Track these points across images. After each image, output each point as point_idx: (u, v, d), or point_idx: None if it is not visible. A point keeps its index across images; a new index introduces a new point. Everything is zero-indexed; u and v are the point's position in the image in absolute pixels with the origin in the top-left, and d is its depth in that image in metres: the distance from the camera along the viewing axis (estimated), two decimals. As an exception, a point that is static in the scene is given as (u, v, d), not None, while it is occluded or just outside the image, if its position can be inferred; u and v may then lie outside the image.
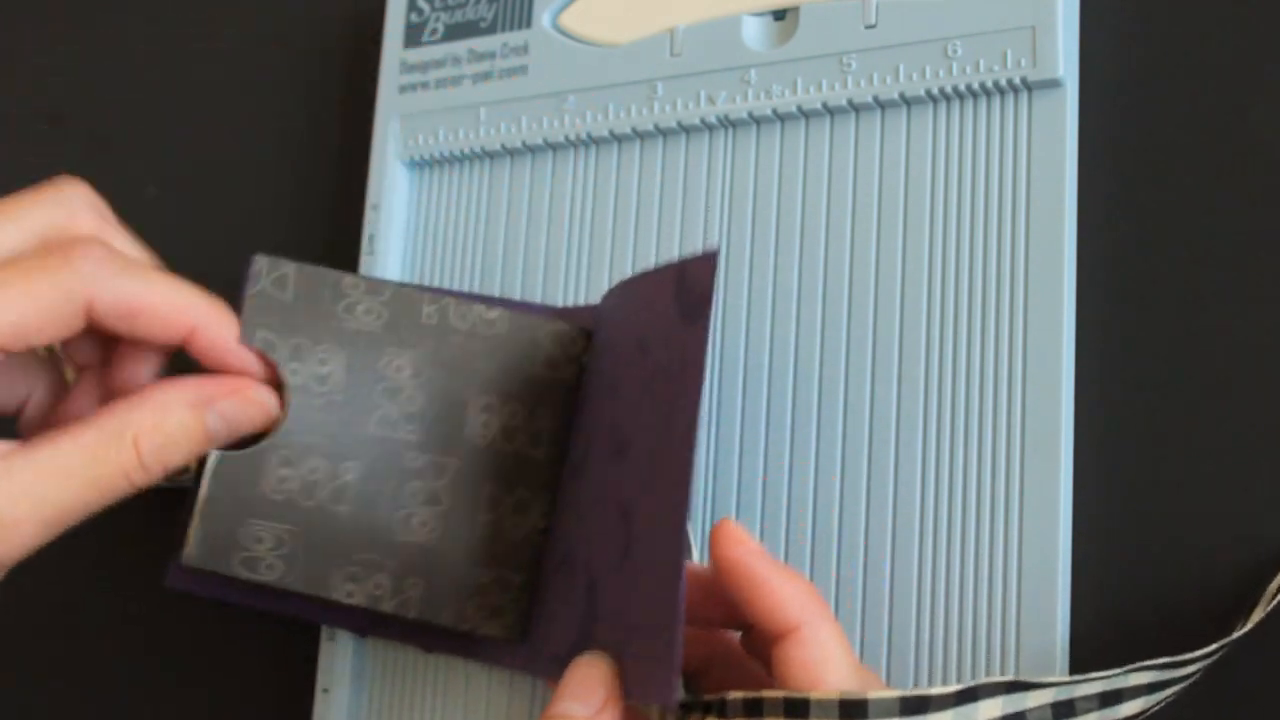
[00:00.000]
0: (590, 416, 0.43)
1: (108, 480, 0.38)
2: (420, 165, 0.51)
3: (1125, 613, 0.40)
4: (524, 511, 0.43)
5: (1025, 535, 0.40)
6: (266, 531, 0.42)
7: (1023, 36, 0.42)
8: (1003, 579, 0.40)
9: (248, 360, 0.41)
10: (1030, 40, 0.42)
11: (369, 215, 0.51)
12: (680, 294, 0.39)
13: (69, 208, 0.40)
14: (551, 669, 0.41)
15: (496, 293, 0.48)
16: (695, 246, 0.46)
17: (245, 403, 0.41)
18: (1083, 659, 0.39)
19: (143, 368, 0.41)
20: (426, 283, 0.50)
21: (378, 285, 0.43)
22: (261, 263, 0.42)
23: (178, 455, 0.39)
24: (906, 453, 0.42)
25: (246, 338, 0.41)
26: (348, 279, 0.42)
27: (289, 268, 0.42)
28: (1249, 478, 0.39)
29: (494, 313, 0.43)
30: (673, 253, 0.46)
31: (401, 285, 0.43)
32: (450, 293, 0.44)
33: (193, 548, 0.41)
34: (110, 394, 0.41)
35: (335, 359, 0.42)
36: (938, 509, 0.41)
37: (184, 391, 0.40)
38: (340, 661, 0.48)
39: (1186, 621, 0.39)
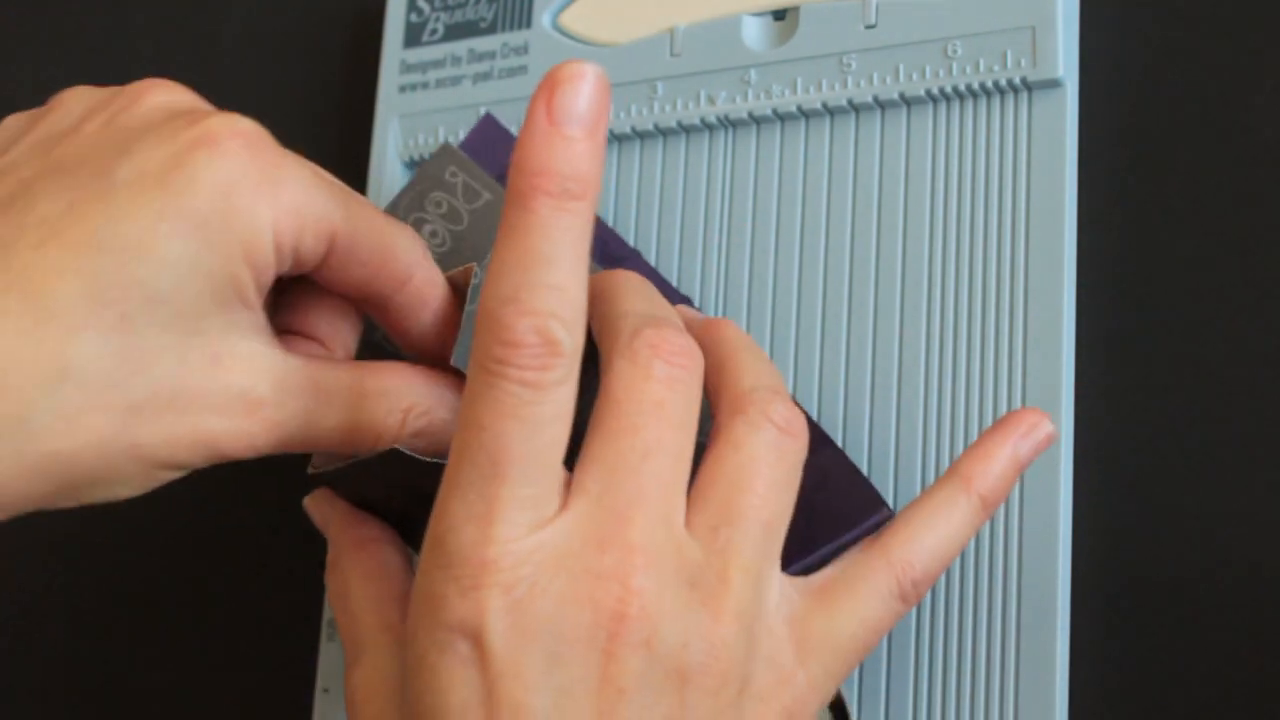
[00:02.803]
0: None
1: (365, 424, 0.36)
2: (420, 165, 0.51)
3: (1125, 613, 0.40)
4: None
5: (1025, 535, 0.40)
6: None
7: (1023, 36, 0.42)
8: (1003, 579, 0.40)
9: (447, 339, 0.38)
10: (1030, 40, 0.42)
11: (369, 215, 0.51)
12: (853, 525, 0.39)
13: (180, 92, 0.37)
14: None
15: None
16: (695, 246, 0.46)
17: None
18: (1083, 659, 0.39)
19: (343, 323, 0.39)
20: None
21: None
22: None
23: (431, 444, 0.37)
24: (907, 453, 0.42)
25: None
26: None
27: None
28: (1249, 478, 0.39)
29: None
30: (672, 253, 0.46)
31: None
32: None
33: (327, 472, 0.39)
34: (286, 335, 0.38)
35: None
36: (938, 509, 0.41)
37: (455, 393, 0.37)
38: (340, 661, 0.48)
39: (1187, 621, 0.39)
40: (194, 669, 0.53)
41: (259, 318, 0.36)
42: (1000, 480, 0.37)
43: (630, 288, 0.37)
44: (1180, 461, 0.40)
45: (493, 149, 0.45)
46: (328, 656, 0.49)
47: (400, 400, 0.37)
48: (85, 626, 0.56)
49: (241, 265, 0.34)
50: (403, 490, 0.39)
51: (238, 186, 0.34)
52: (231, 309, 0.35)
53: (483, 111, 0.49)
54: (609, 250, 0.45)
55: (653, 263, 0.46)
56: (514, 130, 0.47)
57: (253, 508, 0.53)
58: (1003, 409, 0.41)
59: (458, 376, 0.37)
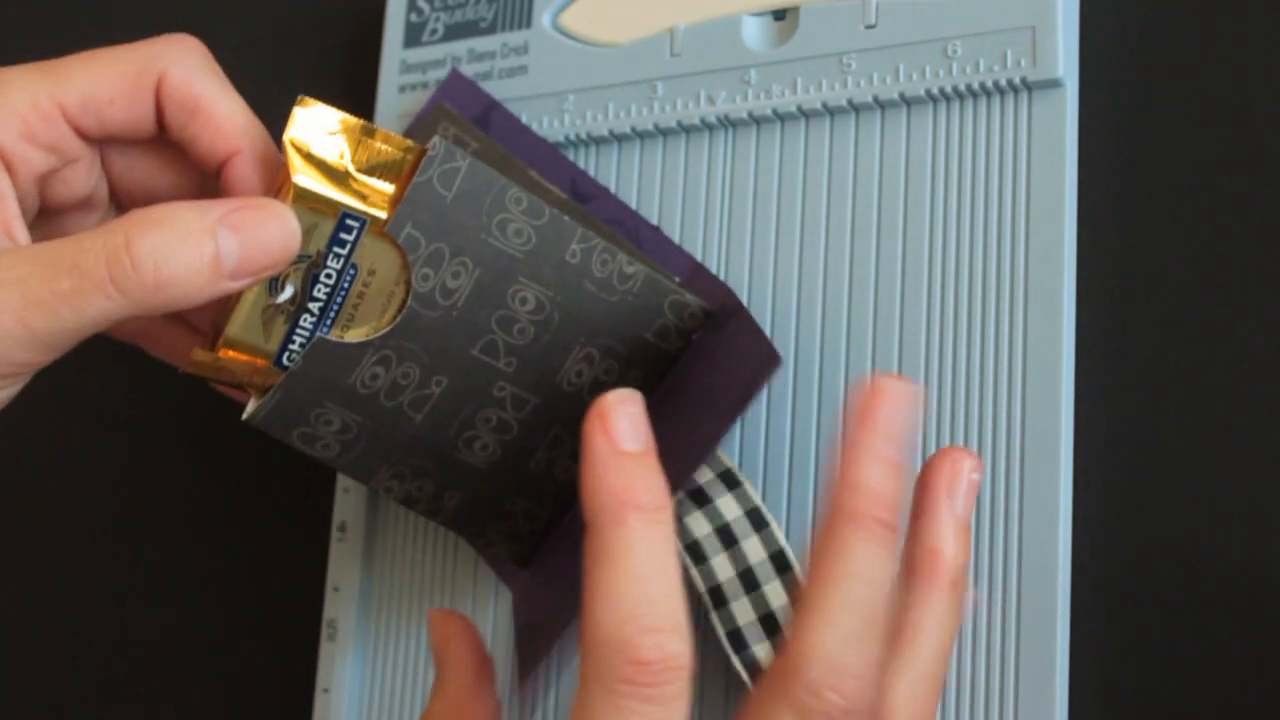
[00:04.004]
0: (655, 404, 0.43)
1: (89, 267, 0.36)
2: (420, 165, 0.51)
3: (1125, 613, 0.40)
4: (576, 457, 0.43)
5: (1025, 535, 0.40)
6: (337, 416, 0.41)
7: (1023, 36, 0.42)
8: (1003, 578, 0.40)
9: (286, 217, 0.38)
10: (1030, 40, 0.42)
11: (369, 215, 0.51)
12: (752, 378, 0.39)
13: (174, 55, 0.40)
14: (523, 635, 0.42)
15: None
16: (695, 247, 0.46)
17: (264, 222, 0.38)
18: (1083, 659, 0.39)
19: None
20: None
21: (538, 208, 0.41)
22: (439, 147, 0.40)
23: (177, 268, 0.36)
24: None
25: (395, 229, 0.39)
26: (514, 193, 0.40)
27: (463, 163, 0.40)
28: (1249, 478, 0.39)
29: (633, 268, 0.42)
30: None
31: (560, 210, 0.41)
32: (604, 229, 0.43)
33: (261, 411, 0.41)
34: None
35: (467, 276, 0.41)
36: (938, 509, 0.41)
37: (193, 204, 0.37)
38: (340, 661, 0.48)
39: (1187, 621, 0.39)
40: (194, 669, 0.53)
41: None
42: (883, 486, 0.35)
43: (847, 594, 0.34)
44: (1180, 461, 0.40)
45: (464, 98, 0.47)
46: (328, 656, 0.49)
47: (115, 228, 0.36)
48: (85, 626, 0.56)
49: None
50: (344, 395, 0.40)
51: None
52: None
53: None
54: (578, 188, 0.45)
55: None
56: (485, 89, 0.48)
57: (253, 508, 0.53)
58: (1003, 409, 0.41)
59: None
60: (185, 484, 0.55)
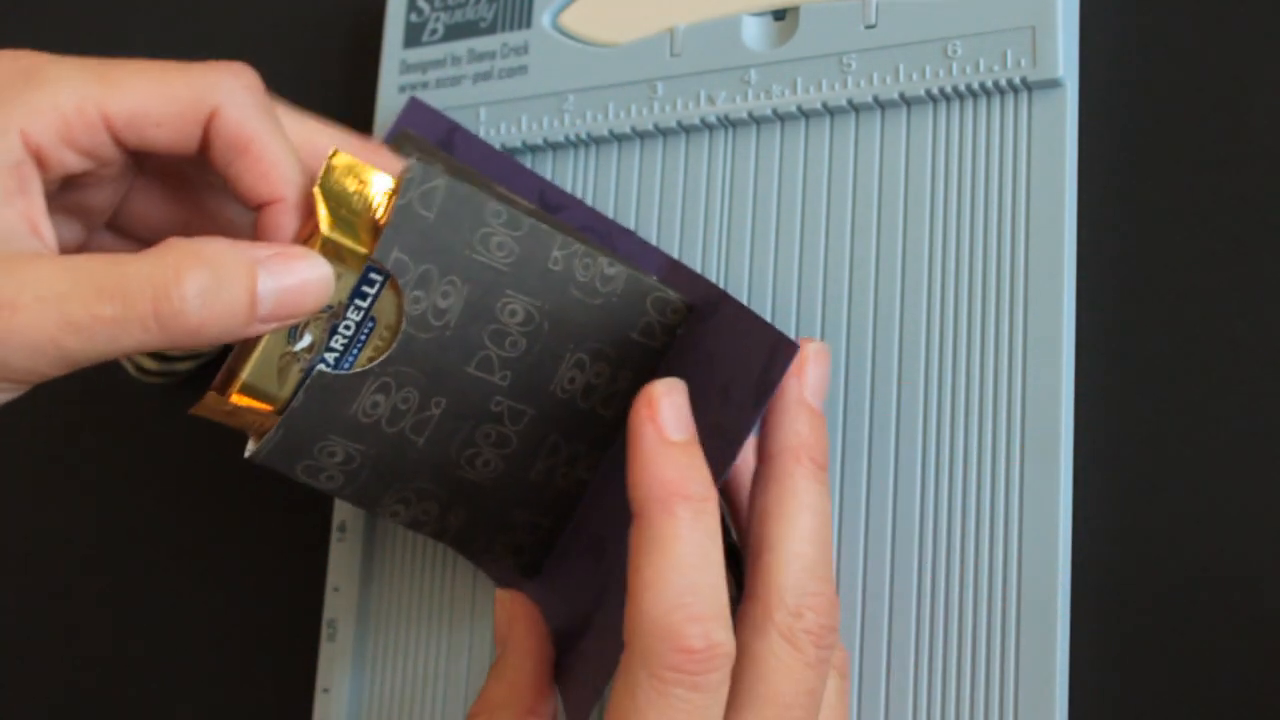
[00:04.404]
0: None
1: (134, 297, 0.35)
2: (420, 165, 0.51)
3: (1125, 613, 0.40)
4: (574, 463, 0.43)
5: (1025, 535, 0.40)
6: (340, 447, 0.41)
7: (1023, 36, 0.42)
8: (1003, 578, 0.40)
9: (321, 266, 0.38)
10: (1030, 40, 0.42)
11: (369, 215, 0.51)
12: (767, 367, 0.39)
13: (230, 89, 0.40)
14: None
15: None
16: (695, 247, 0.46)
17: (301, 271, 0.38)
18: (1083, 659, 0.39)
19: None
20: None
21: (517, 219, 0.41)
22: (415, 171, 0.40)
23: (220, 309, 0.36)
24: (906, 453, 0.42)
25: (382, 255, 0.39)
26: (492, 206, 0.41)
27: (440, 181, 0.40)
28: (1249, 478, 0.39)
29: (614, 269, 0.42)
30: (672, 253, 0.46)
31: (537, 220, 0.41)
32: (579, 235, 0.43)
33: (265, 448, 0.41)
34: None
35: (457, 294, 0.41)
36: (937, 510, 0.41)
37: (235, 244, 0.37)
38: (340, 661, 0.48)
39: (1187, 621, 0.39)
40: (195, 669, 0.53)
41: (16, 218, 0.37)
42: (814, 432, 0.39)
43: (802, 526, 0.38)
44: (1180, 461, 0.40)
45: (425, 124, 0.48)
46: (328, 656, 0.49)
47: (165, 256, 0.36)
48: (85, 626, 0.56)
49: None
50: (346, 426, 0.40)
51: None
52: None
53: (481, 112, 0.49)
54: (546, 200, 0.45)
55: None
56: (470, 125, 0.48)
57: (253, 508, 0.53)
58: (1003, 409, 0.41)
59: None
60: (185, 484, 0.55)
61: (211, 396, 0.40)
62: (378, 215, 0.40)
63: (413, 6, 0.51)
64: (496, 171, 0.46)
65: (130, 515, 0.56)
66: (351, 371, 0.40)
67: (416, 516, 0.43)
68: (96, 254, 0.37)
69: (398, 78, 0.51)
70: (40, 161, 0.39)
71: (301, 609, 0.50)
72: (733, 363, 0.40)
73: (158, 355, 0.40)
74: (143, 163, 0.42)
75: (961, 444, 0.41)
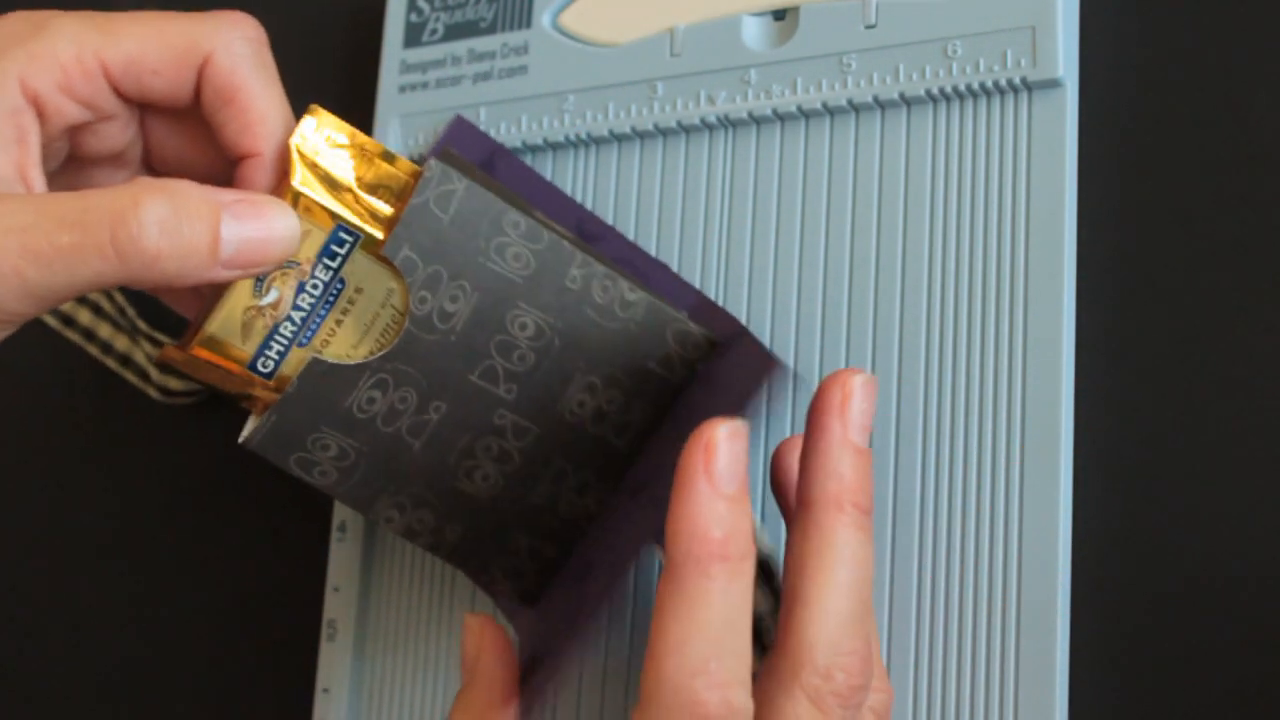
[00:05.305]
0: (659, 438, 0.43)
1: (93, 226, 0.35)
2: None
3: (1125, 613, 0.40)
4: (582, 492, 0.43)
5: (1025, 535, 0.40)
6: (334, 441, 0.41)
7: (1023, 36, 0.42)
8: (1002, 579, 0.40)
9: (288, 216, 0.38)
10: (1030, 40, 0.42)
11: (369, 215, 0.51)
12: (753, 377, 0.39)
13: (225, 37, 0.40)
14: (531, 668, 0.42)
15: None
16: (695, 247, 0.46)
17: (266, 217, 0.38)
18: (1083, 659, 0.39)
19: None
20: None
21: (536, 232, 0.40)
22: (434, 170, 0.39)
23: (178, 242, 0.36)
24: (906, 453, 0.42)
25: (391, 251, 0.39)
26: (511, 216, 0.40)
27: (460, 185, 0.40)
28: (1249, 478, 0.39)
29: (635, 295, 0.41)
30: (672, 253, 0.46)
31: (558, 235, 0.41)
32: (602, 257, 0.42)
33: (258, 434, 0.41)
34: None
35: (465, 299, 0.40)
36: (937, 510, 0.41)
37: (201, 186, 0.37)
38: (340, 661, 0.48)
39: (1187, 622, 0.39)
40: (195, 669, 0.53)
41: (8, 164, 0.38)
42: (858, 475, 0.37)
43: (839, 581, 0.36)
44: (1180, 462, 0.40)
45: (469, 143, 0.47)
46: (328, 656, 0.49)
47: (126, 191, 0.36)
48: (85, 626, 0.56)
49: None
50: (340, 418, 0.40)
51: None
52: None
53: (481, 112, 0.49)
54: (584, 229, 0.45)
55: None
56: (483, 128, 0.48)
57: (253, 508, 0.53)
58: (1003, 409, 0.41)
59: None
60: (185, 484, 0.55)
61: (170, 349, 0.40)
62: (353, 177, 0.40)
63: (413, 6, 0.51)
64: (535, 195, 0.46)
65: (130, 516, 0.56)
66: (349, 364, 0.40)
67: (411, 525, 0.42)
68: (67, 192, 0.37)
69: (397, 78, 0.51)
70: (40, 111, 0.39)
71: (301, 609, 0.50)
72: (725, 385, 0.40)
73: (183, 375, 0.40)
74: (178, 111, 0.42)
75: (961, 444, 0.41)
